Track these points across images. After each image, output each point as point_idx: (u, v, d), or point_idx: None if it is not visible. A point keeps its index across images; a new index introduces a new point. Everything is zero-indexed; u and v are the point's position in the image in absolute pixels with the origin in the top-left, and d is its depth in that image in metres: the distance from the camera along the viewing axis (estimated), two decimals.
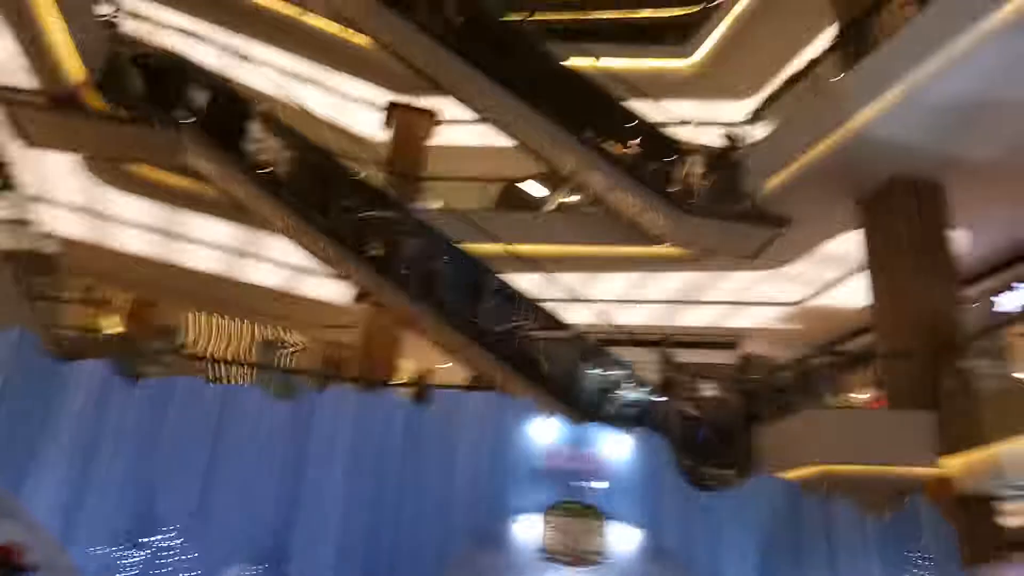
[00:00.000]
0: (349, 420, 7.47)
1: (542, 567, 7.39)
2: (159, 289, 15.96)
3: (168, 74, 12.75)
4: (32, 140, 12.38)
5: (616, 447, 8.17)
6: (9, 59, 11.22)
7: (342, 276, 13.28)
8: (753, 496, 8.24)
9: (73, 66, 11.74)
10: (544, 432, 8.06)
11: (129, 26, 13.37)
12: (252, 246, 14.85)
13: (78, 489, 6.65)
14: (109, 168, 13.07)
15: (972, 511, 9.84)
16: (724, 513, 8.09)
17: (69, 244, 14.79)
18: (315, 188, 13.00)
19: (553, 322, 13.34)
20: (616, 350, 13.89)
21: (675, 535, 7.92)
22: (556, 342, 13.31)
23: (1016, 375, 10.40)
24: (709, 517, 8.05)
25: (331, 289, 15.15)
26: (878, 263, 11.87)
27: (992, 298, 13.14)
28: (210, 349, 18.75)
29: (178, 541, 6.26)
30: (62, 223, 14.42)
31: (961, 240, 12.42)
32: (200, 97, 12.81)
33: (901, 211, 11.61)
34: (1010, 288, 13.13)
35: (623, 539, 7.65)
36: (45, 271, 14.54)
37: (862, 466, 9.90)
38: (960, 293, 11.81)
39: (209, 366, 15.59)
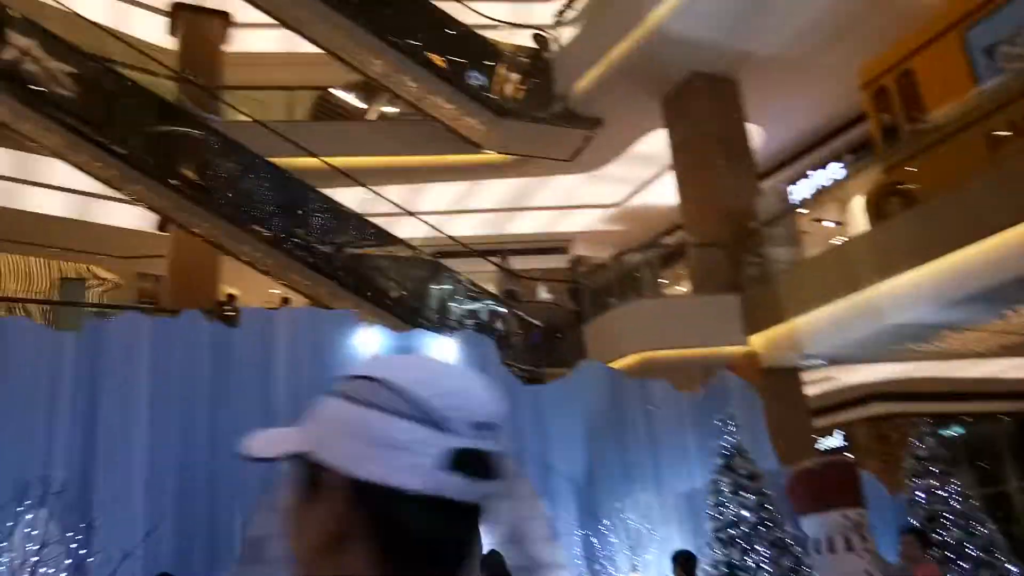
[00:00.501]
0: (144, 345, 6.85)
1: None
2: None
3: None
4: None
5: (441, 351, 8.10)
6: None
7: (134, 200, 12.09)
8: (577, 385, 8.50)
9: None
10: (367, 342, 7.83)
11: None
12: (30, 171, 13.18)
13: None
14: None
15: (778, 382, 10.76)
16: (550, 403, 8.29)
17: None
18: (94, 103, 11.59)
19: (381, 236, 12.95)
20: (449, 261, 13.77)
21: (505, 430, 8.02)
22: (385, 256, 12.98)
23: (807, 256, 11.32)
24: (537, 409, 8.23)
25: (131, 215, 13.85)
26: (682, 159, 12.39)
27: (786, 187, 14.15)
28: (6, 290, 16.80)
29: None
30: None
31: (757, 134, 13.18)
32: None
33: (700, 108, 12.11)
34: (804, 177, 14.18)
35: None
36: None
37: (677, 349, 10.50)
38: (758, 184, 12.60)
39: (9, 308, 13.92)
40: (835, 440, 14.52)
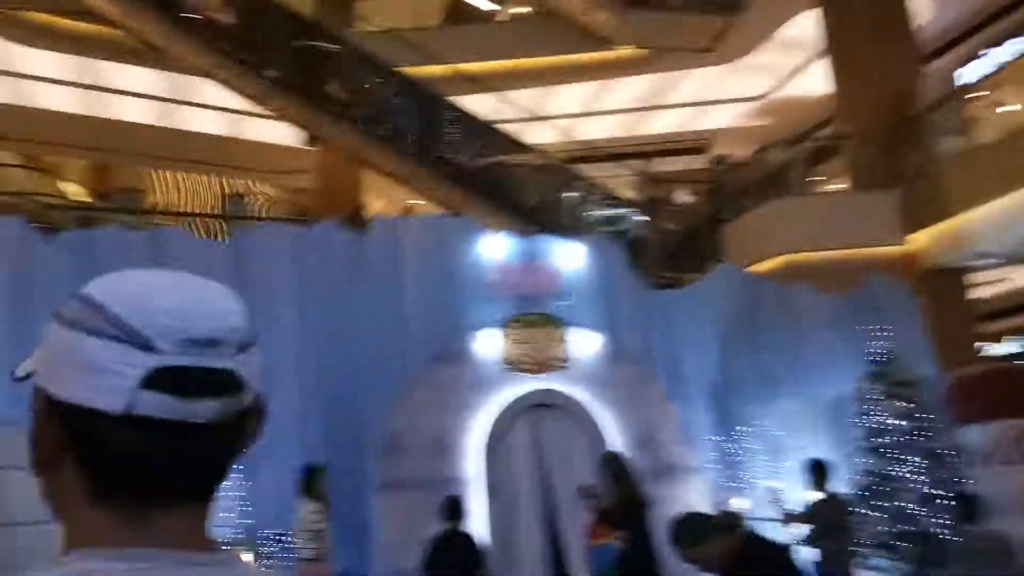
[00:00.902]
0: (285, 253, 7.21)
1: (505, 378, 7.39)
2: (100, 149, 15.24)
3: None
4: None
5: (570, 256, 7.99)
6: None
7: (280, 116, 12.58)
8: (710, 290, 8.17)
9: None
10: (496, 248, 7.84)
11: None
12: (185, 92, 13.97)
13: (15, 348, 6.47)
14: (7, 19, 11.96)
15: (939, 283, 9.89)
16: (682, 309, 8.04)
17: None
18: (239, 23, 12.00)
19: (511, 142, 12.82)
20: (581, 167, 13.49)
21: (634, 335, 7.91)
22: (516, 162, 12.89)
23: (979, 144, 10.13)
24: (668, 315, 8.02)
25: (280, 132, 14.45)
26: (837, 43, 11.25)
27: (955, 70, 12.59)
28: (178, 206, 18.34)
29: None
30: None
31: (923, 10, 11.71)
32: None
33: None
34: (976, 57, 12.55)
35: (584, 344, 7.63)
36: None
37: (825, 251, 9.82)
38: (921, 67, 11.28)
39: (182, 224, 15.16)
40: (1008, 347, 13.30)
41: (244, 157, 16.00)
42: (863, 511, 6.31)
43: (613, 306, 7.90)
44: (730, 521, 2.80)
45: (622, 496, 5.36)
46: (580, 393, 7.48)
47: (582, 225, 12.18)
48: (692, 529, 2.74)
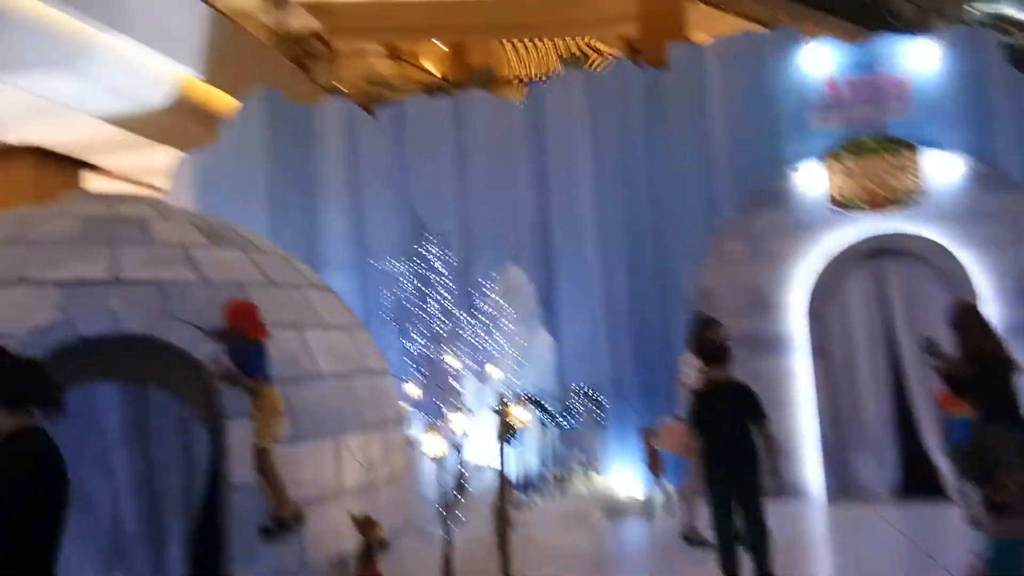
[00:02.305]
0: (581, 103, 6.81)
1: (835, 219, 6.25)
2: (454, 28, 16.30)
3: None
4: None
5: (925, 59, 6.31)
6: None
7: None
8: None
9: None
10: (823, 60, 6.49)
11: None
12: None
13: (357, 217, 7.22)
14: None
15: None
16: None
17: (325, 8, 15.16)
18: None
19: None
20: None
21: (1017, 156, 6.09)
22: None
23: None
24: None
25: None
26: None
27: None
28: (523, 73, 19.21)
29: (442, 252, 6.46)
30: None
31: None
32: None
33: None
34: None
35: (943, 171, 6.09)
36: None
37: None
38: None
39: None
40: None
41: (575, 13, 15.81)
42: None
43: (986, 119, 6.16)
44: None
45: (975, 357, 4.19)
46: (936, 233, 6.04)
47: (941, 17, 9.72)
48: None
